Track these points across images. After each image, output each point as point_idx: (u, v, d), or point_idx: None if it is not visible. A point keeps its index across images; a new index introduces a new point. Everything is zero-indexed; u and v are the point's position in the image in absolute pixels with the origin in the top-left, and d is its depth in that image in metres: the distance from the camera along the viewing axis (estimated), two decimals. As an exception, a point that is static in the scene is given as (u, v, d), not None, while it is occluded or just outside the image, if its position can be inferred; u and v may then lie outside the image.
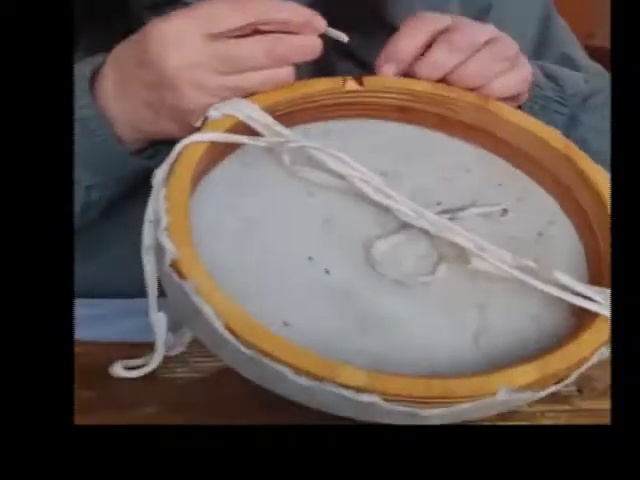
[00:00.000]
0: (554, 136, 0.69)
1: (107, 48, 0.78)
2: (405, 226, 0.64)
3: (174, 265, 0.55)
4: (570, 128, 0.78)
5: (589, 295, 0.59)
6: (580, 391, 0.61)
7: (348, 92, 0.69)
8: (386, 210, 0.64)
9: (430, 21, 0.71)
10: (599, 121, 0.80)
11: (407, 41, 0.71)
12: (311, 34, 0.69)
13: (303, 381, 0.51)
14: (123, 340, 0.69)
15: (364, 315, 0.58)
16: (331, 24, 0.78)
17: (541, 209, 0.68)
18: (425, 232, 0.63)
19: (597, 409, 0.58)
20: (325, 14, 0.81)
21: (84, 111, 0.68)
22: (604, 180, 0.65)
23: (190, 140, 0.61)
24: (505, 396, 0.52)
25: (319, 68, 0.82)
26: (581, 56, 0.95)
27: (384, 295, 0.60)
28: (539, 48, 0.91)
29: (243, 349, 0.52)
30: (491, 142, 0.70)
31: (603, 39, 0.94)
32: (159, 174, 0.60)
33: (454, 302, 0.61)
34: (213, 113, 0.64)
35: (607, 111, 0.73)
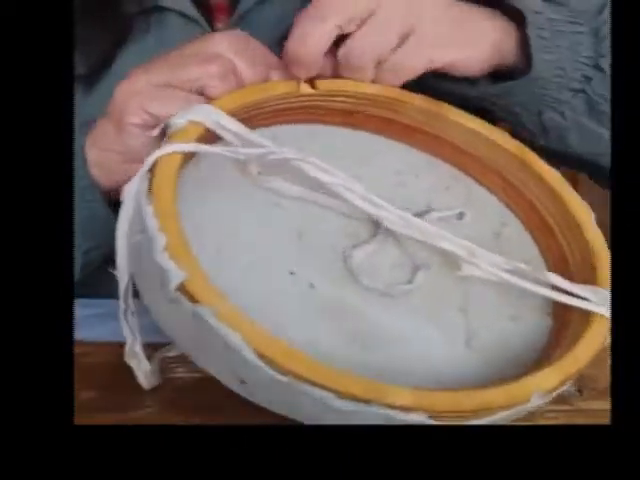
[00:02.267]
0: (504, 137, 0.69)
1: (99, 53, 0.79)
2: (376, 234, 0.63)
3: (183, 289, 0.51)
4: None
5: (584, 295, 0.59)
6: (580, 391, 0.61)
7: (302, 96, 0.67)
8: (356, 219, 0.63)
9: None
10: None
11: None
12: None
13: (348, 405, 0.49)
14: (123, 340, 0.69)
15: (360, 330, 0.57)
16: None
17: (491, 211, 0.68)
18: (396, 238, 0.63)
19: (597, 409, 0.58)
20: None
21: (81, 182, 0.69)
22: (559, 179, 0.66)
23: (164, 152, 0.57)
24: (538, 401, 0.52)
25: None
26: None
27: (374, 307, 0.59)
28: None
29: (279, 377, 0.49)
30: (436, 144, 0.70)
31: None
32: (134, 189, 0.56)
33: (439, 309, 0.61)
34: (178, 121, 0.60)
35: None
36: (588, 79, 0.72)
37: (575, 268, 0.64)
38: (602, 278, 0.60)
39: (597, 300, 0.59)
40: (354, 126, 0.69)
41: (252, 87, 0.65)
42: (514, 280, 0.61)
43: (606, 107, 0.72)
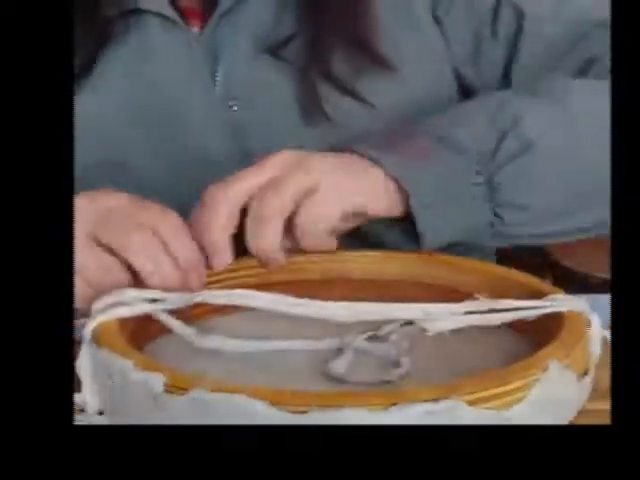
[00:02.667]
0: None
1: (81, 56, 0.79)
2: (340, 346, 0.65)
3: (169, 386, 0.54)
4: (493, 193, 0.72)
5: (543, 305, 0.62)
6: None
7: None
8: (313, 338, 0.65)
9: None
10: (522, 178, 0.73)
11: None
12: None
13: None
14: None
15: None
16: (316, 39, 0.81)
17: None
18: (360, 341, 0.65)
19: (597, 409, 0.58)
20: (311, 28, 0.82)
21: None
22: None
23: (99, 320, 0.60)
24: (558, 372, 0.53)
25: (300, 88, 0.82)
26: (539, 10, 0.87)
27: None
28: (496, 8, 0.86)
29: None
30: (351, 288, 0.72)
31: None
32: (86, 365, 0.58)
33: (443, 378, 0.61)
34: (97, 305, 0.61)
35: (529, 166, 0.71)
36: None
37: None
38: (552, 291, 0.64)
39: (559, 303, 0.62)
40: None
41: None
42: (476, 320, 0.62)
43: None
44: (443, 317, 0.61)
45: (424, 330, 0.61)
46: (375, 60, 0.83)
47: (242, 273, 0.70)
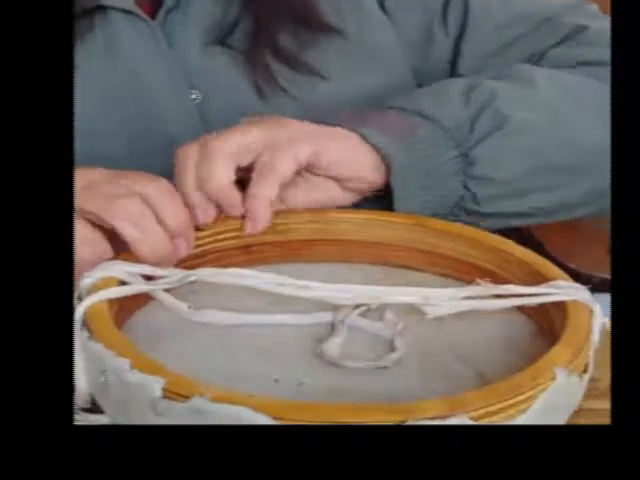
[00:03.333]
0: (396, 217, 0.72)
1: None
2: (334, 327, 0.64)
3: (169, 391, 0.52)
4: (467, 169, 0.74)
5: (546, 292, 0.61)
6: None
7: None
8: (305, 312, 0.64)
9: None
10: (496, 152, 0.75)
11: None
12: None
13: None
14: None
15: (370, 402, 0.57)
16: (261, 22, 0.83)
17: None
18: (356, 322, 0.64)
19: (597, 409, 0.58)
20: (255, 12, 0.84)
21: None
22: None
23: (89, 303, 0.58)
24: (565, 379, 0.53)
25: (254, 70, 0.83)
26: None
27: (373, 382, 0.59)
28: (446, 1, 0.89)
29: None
30: (337, 249, 0.72)
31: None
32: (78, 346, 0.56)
33: (437, 364, 0.61)
34: (87, 280, 0.60)
35: (507, 134, 0.73)
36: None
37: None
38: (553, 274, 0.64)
39: (562, 291, 0.61)
40: (256, 262, 0.70)
41: None
42: (477, 304, 0.62)
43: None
44: (442, 302, 0.61)
45: (423, 314, 0.61)
46: (320, 27, 0.85)
47: (227, 235, 0.69)
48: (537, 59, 0.87)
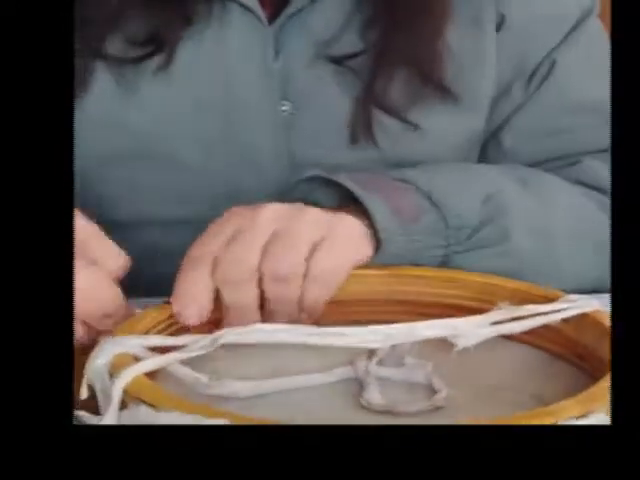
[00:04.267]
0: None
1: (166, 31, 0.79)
2: (366, 375, 0.62)
3: None
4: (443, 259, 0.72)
5: (562, 307, 0.62)
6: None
7: None
8: (322, 371, 0.63)
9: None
10: (476, 265, 0.71)
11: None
12: None
13: None
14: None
15: None
16: (383, 62, 0.80)
17: None
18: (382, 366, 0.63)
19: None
20: (377, 57, 0.81)
21: None
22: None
23: (129, 378, 0.54)
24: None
25: (357, 112, 0.81)
26: (579, 71, 0.86)
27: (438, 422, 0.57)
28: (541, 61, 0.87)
29: None
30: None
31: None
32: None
33: (483, 396, 0.61)
34: (100, 362, 0.56)
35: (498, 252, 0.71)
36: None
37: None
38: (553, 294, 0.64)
39: (579, 304, 0.61)
40: None
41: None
42: (503, 329, 0.61)
43: None
44: (471, 331, 0.60)
45: (452, 345, 0.59)
46: (437, 89, 0.82)
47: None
48: (569, 163, 0.85)
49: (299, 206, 0.67)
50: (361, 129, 0.82)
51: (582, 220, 0.78)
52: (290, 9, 0.81)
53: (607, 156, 0.79)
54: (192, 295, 0.63)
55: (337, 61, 0.82)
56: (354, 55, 0.82)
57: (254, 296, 0.64)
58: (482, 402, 0.60)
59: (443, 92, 0.82)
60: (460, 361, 0.61)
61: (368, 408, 0.59)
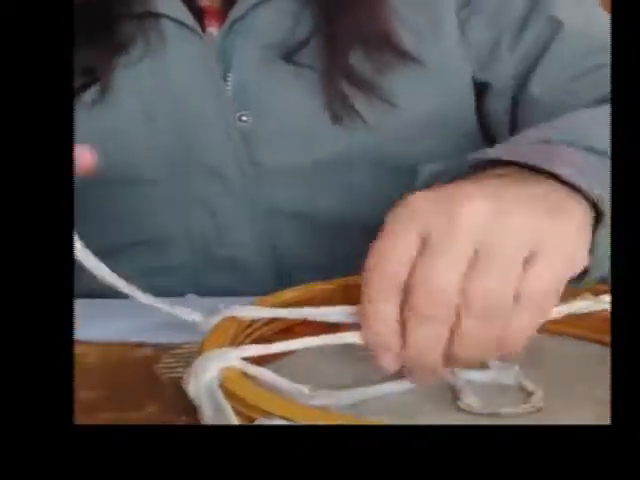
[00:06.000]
0: None
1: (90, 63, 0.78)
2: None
3: None
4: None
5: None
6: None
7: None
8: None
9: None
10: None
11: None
12: None
13: None
14: (123, 340, 0.69)
15: None
16: (335, 43, 0.79)
17: None
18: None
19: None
20: (329, 32, 0.80)
21: None
22: None
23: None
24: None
25: (328, 93, 0.80)
26: (576, 21, 0.85)
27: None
28: (527, 16, 0.85)
29: None
30: None
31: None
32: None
33: (567, 390, 0.61)
34: (209, 374, 0.55)
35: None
36: None
37: None
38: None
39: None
40: None
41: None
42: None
43: None
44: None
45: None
46: (397, 55, 0.82)
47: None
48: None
49: (504, 205, 0.53)
50: (339, 106, 0.81)
51: None
52: (233, 16, 0.81)
53: None
54: (387, 338, 0.54)
55: (290, 59, 0.81)
56: (303, 44, 0.81)
57: (446, 335, 0.53)
58: (571, 401, 0.60)
59: (404, 57, 0.82)
60: (535, 362, 0.62)
61: (469, 411, 0.59)
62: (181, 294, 0.79)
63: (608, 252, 0.55)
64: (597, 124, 0.63)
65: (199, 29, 0.81)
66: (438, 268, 0.51)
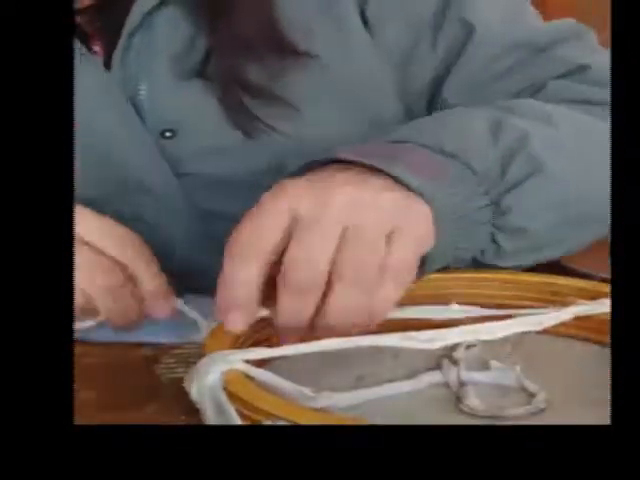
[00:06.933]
0: None
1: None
2: (447, 379, 0.62)
3: None
4: (498, 219, 0.66)
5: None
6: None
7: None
8: (410, 377, 0.62)
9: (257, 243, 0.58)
10: (530, 202, 0.66)
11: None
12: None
13: None
14: (123, 340, 0.69)
15: None
16: (226, 53, 0.76)
17: None
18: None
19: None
20: (218, 42, 0.77)
21: None
22: None
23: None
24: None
25: (230, 108, 0.78)
26: (490, 23, 0.82)
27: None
28: (439, 17, 0.82)
29: None
30: None
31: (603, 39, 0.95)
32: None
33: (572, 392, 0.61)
34: (212, 377, 0.54)
35: (542, 182, 0.65)
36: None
37: None
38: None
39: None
40: None
41: None
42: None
43: None
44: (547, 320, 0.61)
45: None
46: (289, 54, 0.79)
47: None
48: (534, 90, 0.80)
49: (372, 190, 0.59)
50: (247, 121, 0.79)
51: (591, 133, 0.72)
52: (129, 27, 0.77)
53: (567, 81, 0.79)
54: (238, 297, 0.57)
55: (198, 72, 0.78)
56: (207, 56, 0.78)
57: (314, 305, 0.57)
58: (573, 402, 0.60)
59: (296, 56, 0.79)
60: (537, 363, 0.62)
61: (471, 413, 0.59)
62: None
63: (447, 246, 0.62)
64: (459, 122, 0.69)
65: (89, 52, 0.78)
66: (309, 241, 0.56)
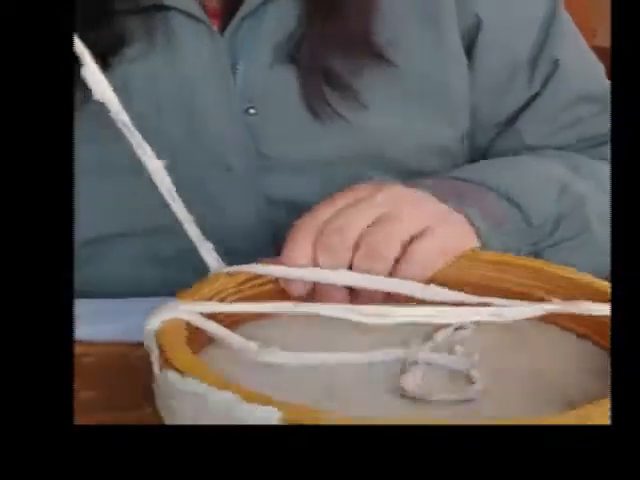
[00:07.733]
0: None
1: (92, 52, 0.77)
2: (406, 357, 0.62)
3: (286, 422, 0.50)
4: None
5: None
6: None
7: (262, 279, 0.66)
8: (374, 349, 0.62)
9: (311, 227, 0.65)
10: (565, 258, 0.72)
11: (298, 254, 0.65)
12: None
13: None
14: (123, 340, 0.70)
15: None
16: (320, 42, 0.81)
17: None
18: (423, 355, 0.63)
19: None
20: (316, 30, 0.82)
21: None
22: None
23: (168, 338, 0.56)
24: None
25: (307, 91, 0.82)
26: (579, 67, 0.89)
27: (464, 415, 0.58)
28: (536, 56, 0.88)
29: None
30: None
31: (604, 39, 0.95)
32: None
33: (520, 394, 0.60)
34: (153, 322, 0.57)
35: (582, 244, 0.72)
36: None
37: None
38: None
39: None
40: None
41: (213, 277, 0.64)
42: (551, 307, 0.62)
43: None
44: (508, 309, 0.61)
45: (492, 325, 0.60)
46: (372, 54, 0.83)
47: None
48: (595, 144, 0.86)
49: (424, 194, 0.69)
50: (319, 106, 0.82)
51: None
52: (243, 12, 0.81)
53: None
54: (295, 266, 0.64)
55: (293, 58, 0.83)
56: (301, 42, 0.82)
57: (346, 266, 0.64)
58: (515, 399, 0.60)
59: (377, 58, 0.83)
60: (512, 355, 0.63)
61: (400, 393, 0.59)
62: (172, 285, 0.78)
63: None
64: (530, 174, 0.78)
65: (209, 22, 0.81)
66: (347, 215, 0.65)
